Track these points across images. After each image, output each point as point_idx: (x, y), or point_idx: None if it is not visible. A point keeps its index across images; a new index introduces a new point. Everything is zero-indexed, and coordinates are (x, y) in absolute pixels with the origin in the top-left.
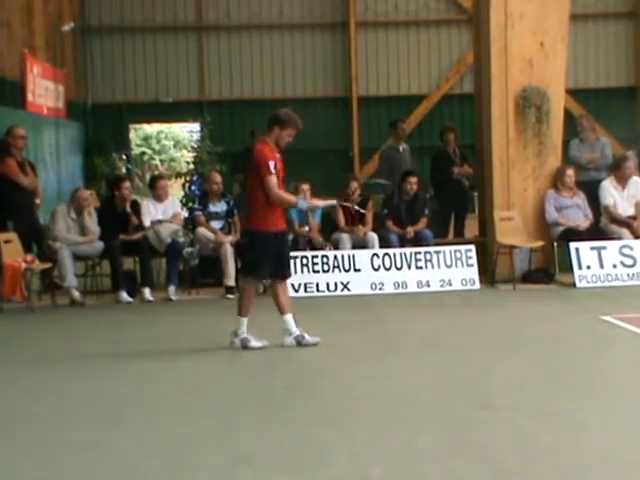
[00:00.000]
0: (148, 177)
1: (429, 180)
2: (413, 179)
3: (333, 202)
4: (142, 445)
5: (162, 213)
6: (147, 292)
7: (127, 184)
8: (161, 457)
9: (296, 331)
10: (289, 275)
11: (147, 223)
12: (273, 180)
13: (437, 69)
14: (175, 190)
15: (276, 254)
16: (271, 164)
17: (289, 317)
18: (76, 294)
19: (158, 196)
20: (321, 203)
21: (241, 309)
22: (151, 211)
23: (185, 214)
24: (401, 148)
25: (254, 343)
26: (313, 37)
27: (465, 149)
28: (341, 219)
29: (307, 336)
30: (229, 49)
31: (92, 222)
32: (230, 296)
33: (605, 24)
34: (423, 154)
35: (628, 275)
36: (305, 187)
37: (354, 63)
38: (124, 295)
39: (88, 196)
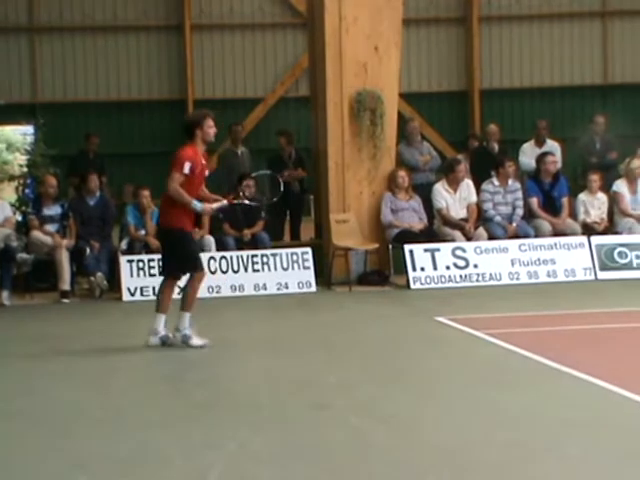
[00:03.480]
0: None
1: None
2: (250, 182)
3: (224, 202)
4: None
5: None
6: None
7: None
8: None
9: (162, 331)
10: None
11: None
12: (177, 177)
13: (273, 72)
14: (8, 193)
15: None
16: (187, 164)
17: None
18: None
19: None
20: (215, 206)
21: (161, 305)
22: None
23: (18, 218)
24: (239, 151)
25: (195, 340)
26: (148, 39)
27: (302, 152)
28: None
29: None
30: (62, 51)
31: None
32: (65, 300)
33: (437, 29)
34: (261, 157)
35: (461, 277)
36: (145, 193)
37: (189, 66)
38: None
39: None
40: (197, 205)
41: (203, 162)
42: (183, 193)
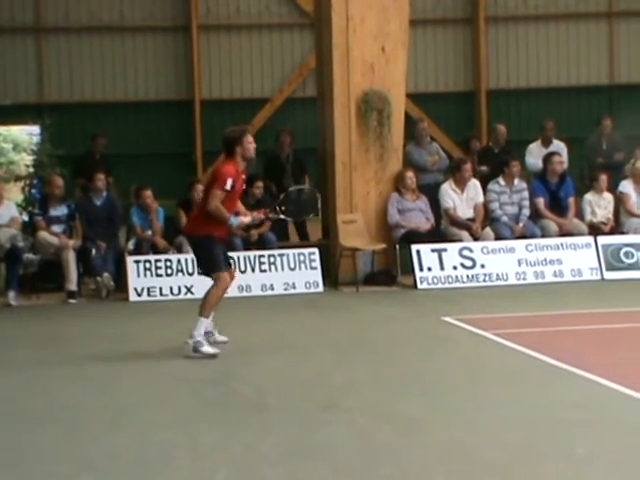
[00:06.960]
0: None
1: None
2: (259, 183)
3: (261, 216)
4: None
5: None
6: None
7: None
8: (1, 464)
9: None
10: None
11: None
12: (219, 194)
13: (280, 73)
14: (14, 194)
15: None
16: (229, 181)
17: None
18: None
19: None
20: (247, 220)
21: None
22: None
23: (25, 218)
24: None
25: (206, 348)
26: (155, 40)
27: (308, 153)
28: (183, 221)
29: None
30: (69, 51)
31: None
32: (72, 301)
33: (444, 29)
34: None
35: (467, 277)
36: (148, 193)
37: (196, 66)
38: None
39: None
40: (233, 222)
41: (243, 177)
42: (223, 211)
